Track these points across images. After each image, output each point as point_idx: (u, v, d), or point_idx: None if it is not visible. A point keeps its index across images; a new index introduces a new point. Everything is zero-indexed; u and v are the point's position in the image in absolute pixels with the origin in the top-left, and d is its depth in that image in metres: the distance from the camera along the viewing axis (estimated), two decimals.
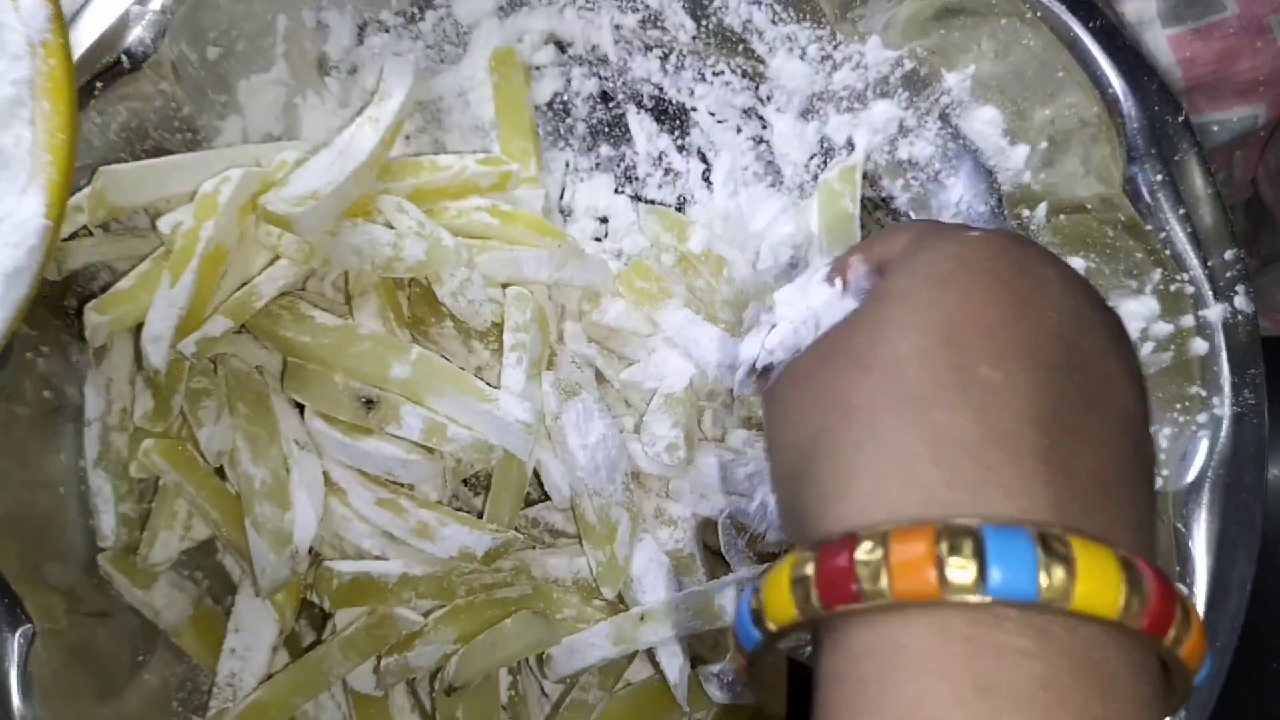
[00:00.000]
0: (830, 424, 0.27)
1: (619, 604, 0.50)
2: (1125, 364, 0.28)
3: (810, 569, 0.25)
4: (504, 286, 0.53)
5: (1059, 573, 0.23)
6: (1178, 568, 0.49)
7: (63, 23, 0.38)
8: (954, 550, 0.23)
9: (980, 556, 0.23)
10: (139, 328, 0.49)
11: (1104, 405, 0.27)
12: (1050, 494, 0.24)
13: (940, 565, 0.23)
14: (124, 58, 0.50)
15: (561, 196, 0.58)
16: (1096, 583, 0.23)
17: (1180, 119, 0.50)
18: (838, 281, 0.34)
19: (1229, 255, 0.50)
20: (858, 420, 0.26)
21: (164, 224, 0.50)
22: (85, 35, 0.50)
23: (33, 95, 0.37)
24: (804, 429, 0.28)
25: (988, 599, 0.23)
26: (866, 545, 0.24)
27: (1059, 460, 0.25)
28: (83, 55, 0.50)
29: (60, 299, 0.51)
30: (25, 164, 0.36)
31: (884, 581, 0.23)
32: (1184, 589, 0.49)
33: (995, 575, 0.23)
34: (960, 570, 0.23)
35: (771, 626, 0.26)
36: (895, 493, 0.25)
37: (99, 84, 0.50)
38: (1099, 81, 0.51)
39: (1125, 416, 0.27)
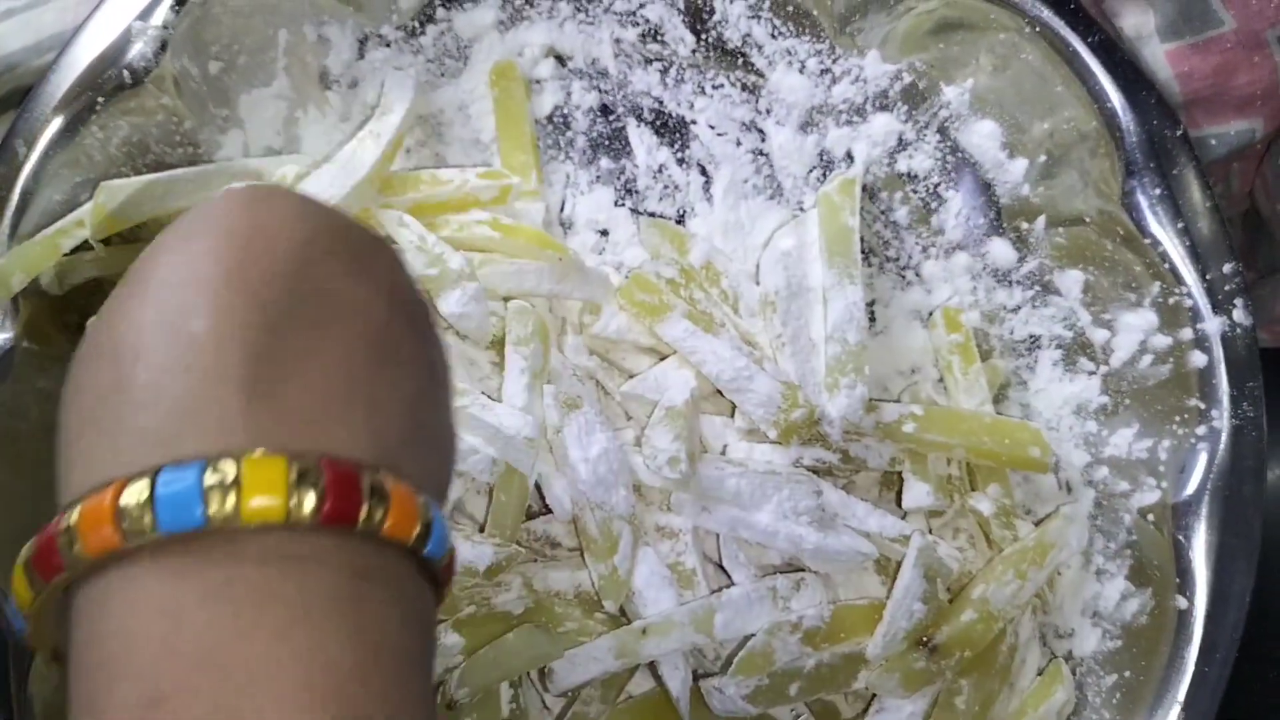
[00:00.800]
0: (70, 417, 0.28)
1: (621, 617, 0.50)
2: (369, 284, 0.29)
3: (28, 550, 0.26)
4: (505, 300, 0.53)
5: (229, 496, 0.24)
6: (1177, 579, 0.49)
7: None
8: (131, 499, 0.24)
9: (152, 499, 0.24)
10: None
11: (335, 328, 0.28)
12: (252, 424, 0.26)
13: (118, 517, 0.24)
14: (126, 73, 0.50)
15: (562, 209, 0.58)
16: (260, 492, 0.24)
17: (1178, 133, 0.51)
18: None
19: (1227, 268, 0.50)
20: (89, 405, 0.27)
21: None
22: (87, 50, 0.50)
23: None
24: (61, 421, 0.29)
25: (161, 536, 0.24)
26: (67, 516, 0.25)
27: (266, 390, 0.26)
28: (85, 70, 0.50)
29: (62, 314, 0.51)
30: None
31: (77, 546, 0.24)
32: (1183, 601, 0.49)
33: (163, 513, 0.24)
34: (135, 519, 0.24)
35: (22, 610, 0.27)
36: (99, 465, 0.26)
37: (100, 99, 0.50)
38: (1097, 96, 0.51)
39: (365, 334, 0.28)
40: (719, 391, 0.53)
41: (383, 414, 0.28)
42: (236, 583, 0.24)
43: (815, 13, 0.56)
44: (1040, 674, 0.52)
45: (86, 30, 0.51)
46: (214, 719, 0.23)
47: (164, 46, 0.51)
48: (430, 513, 0.27)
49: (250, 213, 0.29)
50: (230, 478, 0.24)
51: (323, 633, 0.24)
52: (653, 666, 0.50)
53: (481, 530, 0.50)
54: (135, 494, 0.24)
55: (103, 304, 0.30)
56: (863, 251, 0.55)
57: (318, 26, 0.55)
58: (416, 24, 0.57)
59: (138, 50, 0.50)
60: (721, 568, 0.52)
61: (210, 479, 0.24)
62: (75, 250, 0.50)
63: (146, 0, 0.51)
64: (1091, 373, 0.54)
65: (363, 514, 0.25)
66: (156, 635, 0.24)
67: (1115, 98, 0.51)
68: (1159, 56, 0.51)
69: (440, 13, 0.57)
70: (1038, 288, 0.55)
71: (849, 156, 0.58)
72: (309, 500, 0.25)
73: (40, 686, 0.49)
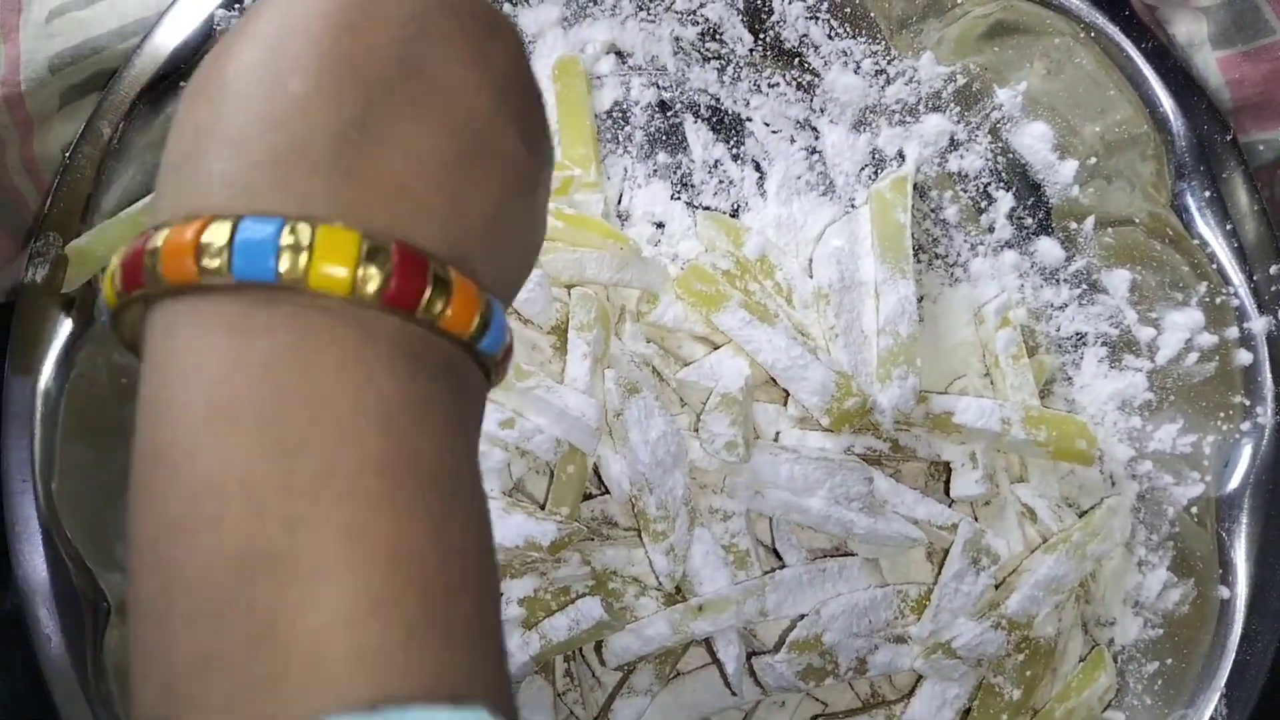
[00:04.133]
0: (173, 142, 0.28)
1: (676, 595, 0.52)
2: (479, 71, 0.29)
3: (118, 259, 0.27)
4: (566, 287, 0.54)
5: (301, 257, 0.25)
6: (1219, 570, 0.51)
7: None
8: (212, 238, 0.25)
9: (231, 245, 0.25)
10: None
11: (433, 113, 0.28)
12: (333, 193, 0.26)
13: (199, 252, 0.25)
14: None
15: (619, 201, 0.60)
16: (331, 260, 0.25)
17: (1228, 138, 0.52)
18: None
19: (1274, 270, 0.52)
20: (190, 137, 0.28)
21: None
22: (171, 36, 0.53)
23: None
24: (168, 144, 0.29)
25: (233, 281, 0.25)
26: (156, 237, 0.26)
27: (352, 164, 0.26)
28: (168, 56, 0.52)
29: None
30: None
31: (160, 268, 0.26)
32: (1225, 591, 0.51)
33: (238, 260, 0.25)
34: (213, 257, 0.25)
35: (109, 307, 0.28)
36: (199, 192, 0.27)
37: (182, 83, 0.52)
38: (1149, 100, 0.53)
39: (463, 123, 0.28)
40: (772, 381, 0.54)
41: (465, 208, 0.28)
42: (301, 323, 0.25)
43: (873, 15, 0.58)
44: (1082, 660, 0.54)
45: (170, 16, 0.52)
46: (273, 428, 0.25)
47: None
48: (492, 308, 0.28)
49: None
50: (305, 241, 0.25)
51: (376, 372, 0.26)
52: (707, 643, 0.52)
53: (542, 508, 0.52)
54: (217, 234, 0.25)
55: None
56: (913, 248, 0.56)
57: None
58: None
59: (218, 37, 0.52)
60: (773, 550, 0.53)
61: (286, 238, 0.25)
62: None
63: None
64: (1137, 369, 0.55)
65: (423, 301, 0.26)
66: (223, 352, 0.25)
67: (1167, 103, 0.52)
68: (1210, 63, 0.53)
69: (506, 8, 0.59)
70: (1085, 286, 0.57)
71: (900, 155, 0.59)
72: (375, 278, 0.25)
73: (112, 655, 0.51)
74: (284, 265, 0.25)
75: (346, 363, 0.25)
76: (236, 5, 0.52)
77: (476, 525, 0.27)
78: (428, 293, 0.26)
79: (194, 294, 0.26)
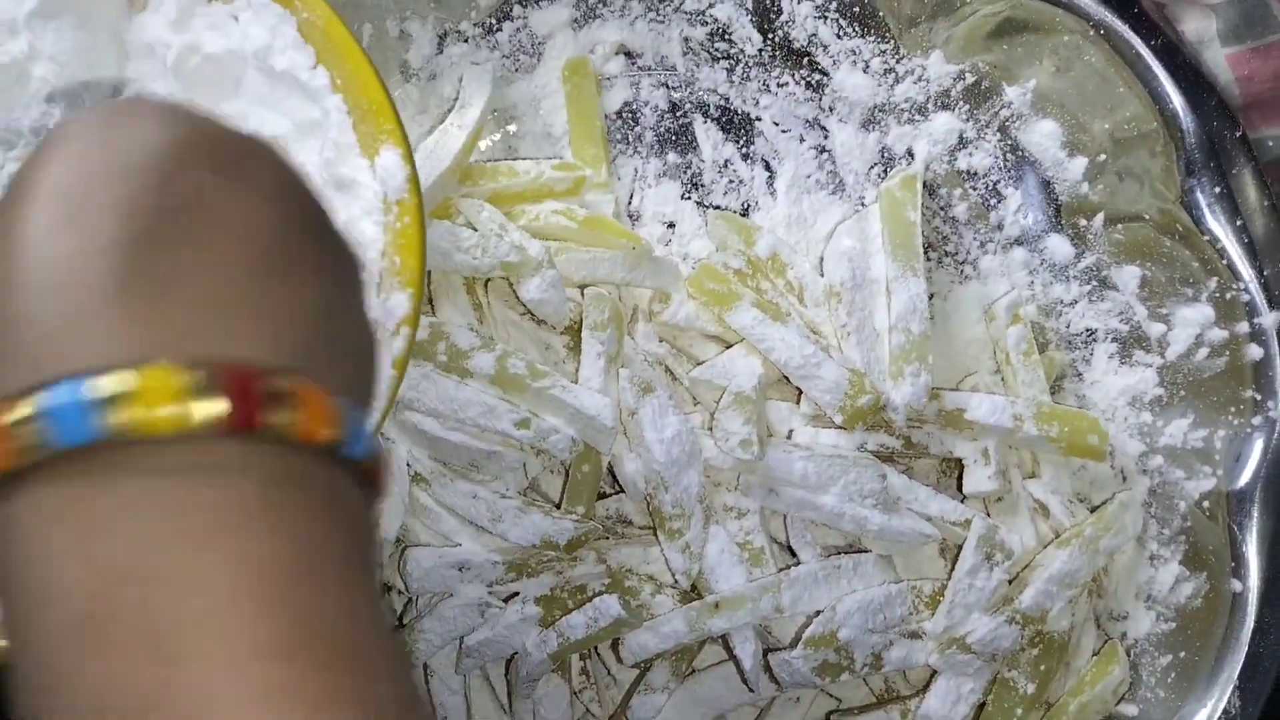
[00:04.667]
0: None
1: (692, 593, 0.52)
2: (250, 192, 0.28)
3: None
4: (580, 287, 0.55)
5: (126, 406, 0.24)
6: (1232, 564, 0.51)
7: (418, 185, 0.41)
8: (17, 415, 0.24)
9: (39, 415, 0.24)
10: None
11: (214, 240, 0.27)
12: (134, 336, 0.25)
13: (6, 437, 0.24)
14: None
15: (630, 201, 0.60)
16: (159, 401, 0.24)
17: (1238, 134, 0.52)
18: None
19: None
20: None
21: None
22: None
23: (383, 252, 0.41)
24: None
25: (58, 452, 0.24)
26: None
27: (144, 306, 0.25)
28: None
29: None
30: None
31: None
32: (1238, 584, 0.51)
33: (53, 427, 0.23)
34: (24, 435, 0.24)
35: None
36: None
37: None
38: (1159, 97, 0.53)
39: (250, 243, 0.27)
40: (784, 379, 0.54)
41: (281, 322, 0.27)
42: (152, 494, 0.24)
43: (881, 14, 0.58)
44: (1096, 654, 0.54)
45: None
46: (148, 634, 0.23)
47: None
48: (348, 413, 0.26)
49: (107, 126, 0.28)
50: (120, 387, 0.24)
51: (248, 537, 0.24)
52: (724, 640, 0.52)
53: (558, 507, 0.52)
54: (20, 411, 0.24)
55: None
56: (923, 245, 0.57)
57: (400, 22, 0.58)
58: (494, 20, 0.59)
59: None
60: (787, 547, 0.54)
61: (105, 387, 0.24)
62: None
63: None
64: (1147, 365, 0.56)
65: (268, 417, 0.25)
66: (77, 553, 0.24)
67: (1177, 99, 0.53)
68: (1220, 60, 0.53)
69: (517, 10, 0.59)
70: (1095, 282, 0.57)
71: (910, 154, 0.60)
72: (211, 406, 0.24)
73: None
74: (110, 418, 0.23)
75: (214, 534, 0.24)
76: None
77: (390, 677, 0.25)
78: (269, 408, 0.25)
79: (22, 485, 0.24)
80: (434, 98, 0.59)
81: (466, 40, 0.59)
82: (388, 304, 0.41)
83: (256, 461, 0.25)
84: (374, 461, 0.27)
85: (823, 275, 0.57)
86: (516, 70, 0.60)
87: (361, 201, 0.42)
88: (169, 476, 0.24)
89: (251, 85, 0.43)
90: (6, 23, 0.42)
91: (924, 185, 0.58)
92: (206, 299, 0.26)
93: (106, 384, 0.24)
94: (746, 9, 0.59)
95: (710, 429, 0.53)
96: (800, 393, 0.54)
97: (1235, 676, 0.50)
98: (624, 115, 0.61)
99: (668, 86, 0.61)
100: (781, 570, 0.52)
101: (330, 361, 0.28)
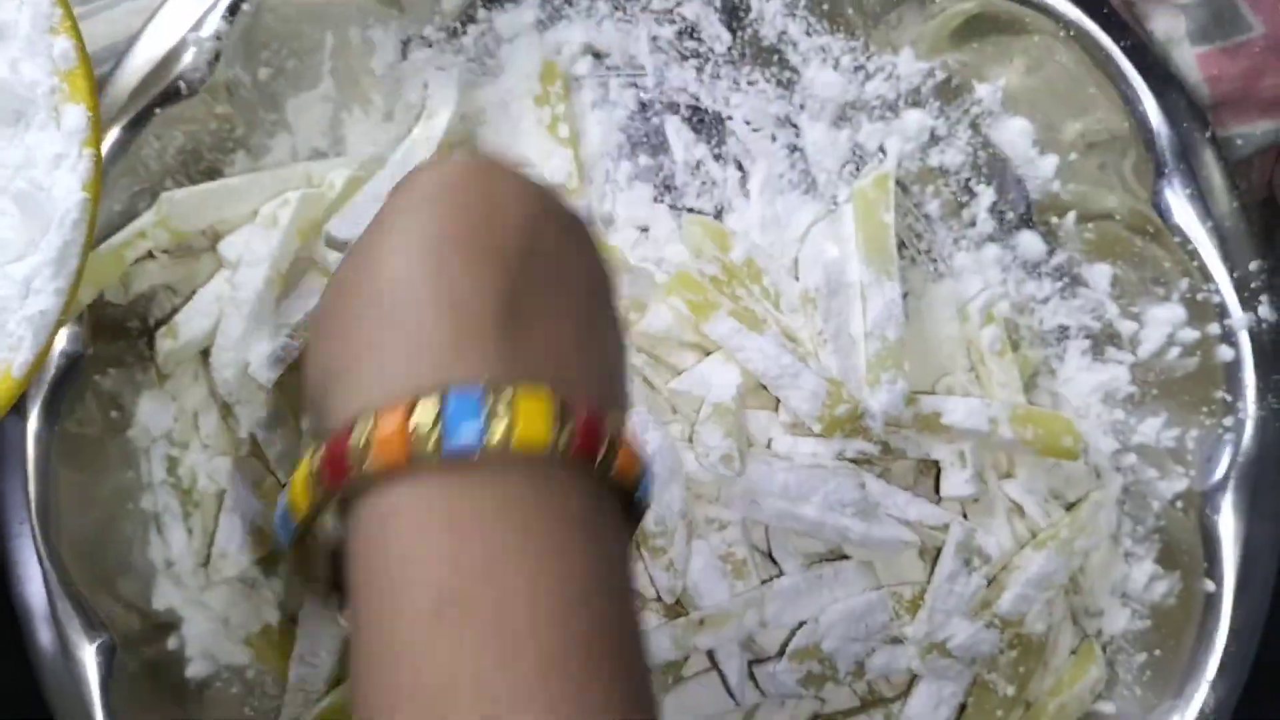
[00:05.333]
0: (338, 350, 0.32)
1: (677, 607, 0.53)
2: (583, 253, 0.34)
3: (318, 458, 0.29)
4: None
5: (502, 423, 0.28)
6: (1205, 563, 0.52)
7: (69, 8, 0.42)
8: (422, 418, 0.28)
9: (440, 420, 0.28)
10: (206, 350, 0.51)
11: (564, 286, 0.32)
12: (510, 361, 0.30)
13: (409, 435, 0.28)
14: (181, 83, 0.51)
15: (603, 206, 0.59)
16: (532, 422, 0.28)
17: (1207, 135, 0.52)
18: None
19: (1254, 266, 0.52)
20: (357, 341, 0.31)
21: (226, 248, 0.51)
22: (142, 62, 0.51)
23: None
24: (323, 355, 0.33)
25: (440, 460, 0.28)
26: (359, 428, 0.28)
27: (517, 335, 0.30)
28: (140, 83, 0.51)
29: (125, 320, 0.52)
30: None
31: (370, 458, 0.28)
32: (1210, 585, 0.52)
33: (449, 436, 0.28)
34: (424, 437, 0.28)
35: (295, 517, 0.31)
36: (388, 382, 0.30)
37: (156, 109, 0.51)
38: (1129, 98, 0.53)
39: (586, 291, 0.33)
40: (763, 386, 0.54)
41: (603, 365, 0.33)
42: (510, 505, 0.28)
43: (850, 11, 0.57)
44: (1073, 653, 0.55)
45: (140, 42, 0.51)
46: (493, 621, 0.27)
47: (217, 57, 0.51)
48: (645, 459, 0.31)
49: (482, 184, 0.33)
50: (506, 405, 0.28)
51: (574, 552, 0.28)
52: (709, 653, 0.53)
53: None
54: (426, 411, 0.27)
55: (339, 263, 0.35)
56: (896, 244, 0.57)
57: (363, 29, 0.56)
58: (457, 24, 0.58)
59: (191, 61, 0.51)
60: (769, 555, 0.54)
61: (489, 403, 0.28)
62: (138, 260, 0.51)
63: (198, 11, 0.51)
64: (1120, 363, 0.56)
65: (602, 451, 0.29)
66: (443, 549, 0.27)
67: (1147, 100, 0.52)
68: (1189, 60, 0.53)
69: (481, 13, 0.58)
70: (1067, 280, 0.58)
71: (882, 151, 0.59)
72: (565, 434, 0.28)
73: (118, 680, 0.51)
74: (491, 433, 0.27)
75: (551, 546, 0.28)
76: (205, 29, 0.51)
77: (647, 684, 0.30)
78: (604, 444, 0.29)
79: (399, 480, 0.28)
80: (399, 105, 0.58)
81: (431, 45, 0.58)
82: (63, 126, 0.41)
83: (582, 488, 0.29)
84: (648, 503, 0.33)
85: (798, 279, 0.57)
86: (483, 74, 0.59)
87: (18, 42, 0.42)
88: (523, 488, 0.28)
89: None
90: None
91: (897, 183, 0.58)
92: (559, 335, 0.31)
93: (499, 396, 0.28)
94: (715, 7, 0.59)
95: (690, 440, 0.53)
96: (779, 400, 0.54)
97: (1209, 676, 0.51)
98: (593, 116, 0.60)
99: (637, 86, 0.60)
100: (765, 582, 0.53)
101: (620, 399, 0.34)
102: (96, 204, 0.42)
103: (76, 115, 0.42)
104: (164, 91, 0.51)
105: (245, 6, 0.51)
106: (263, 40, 0.53)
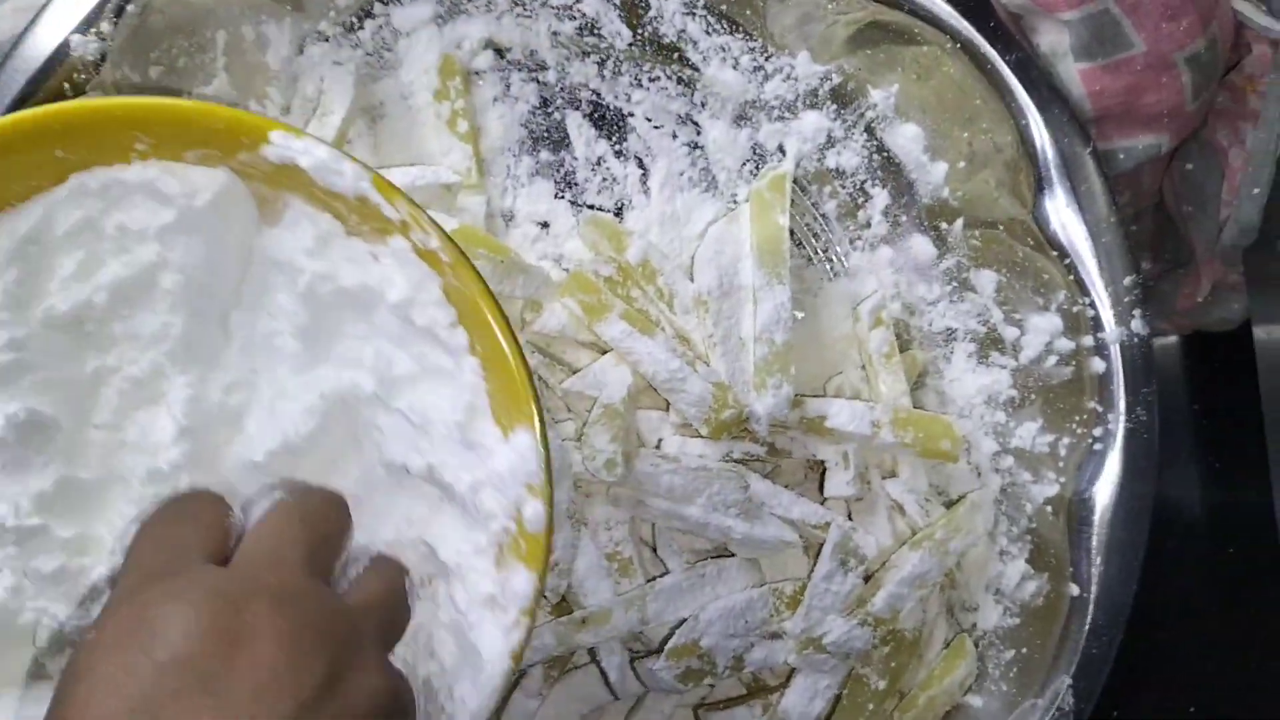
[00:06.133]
0: None
1: (562, 604, 0.54)
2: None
3: None
4: None
5: None
6: (1071, 568, 0.54)
7: (550, 470, 0.40)
8: None
9: None
10: None
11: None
12: None
13: None
14: (65, 85, 0.51)
15: (503, 201, 0.60)
16: None
17: (1089, 150, 0.53)
18: None
19: (1128, 281, 0.54)
20: None
21: None
22: (26, 63, 0.51)
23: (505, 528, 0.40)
24: None
25: None
26: None
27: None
28: (24, 84, 0.51)
29: None
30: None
31: None
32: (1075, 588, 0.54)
33: None
34: None
35: None
36: None
37: None
38: (1014, 111, 0.54)
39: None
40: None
41: None
42: None
43: (748, 13, 0.58)
44: (947, 646, 0.57)
45: (24, 44, 0.51)
46: None
47: (103, 57, 0.51)
48: None
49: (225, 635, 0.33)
50: None
51: None
52: (590, 650, 0.54)
53: None
54: None
55: None
56: (794, 242, 0.58)
57: (256, 25, 0.56)
58: (354, 19, 0.58)
59: (76, 62, 0.51)
60: (656, 553, 0.56)
61: None
62: None
63: (83, 12, 0.51)
64: (1002, 367, 0.58)
65: None
66: None
67: (1030, 114, 0.53)
68: (1072, 75, 0.53)
69: (378, 7, 0.58)
70: (955, 284, 0.59)
71: (781, 150, 0.60)
72: None
73: None
74: None
75: None
76: (90, 29, 0.51)
77: None
78: None
79: None
80: (297, 99, 0.58)
81: (327, 40, 0.58)
82: (508, 585, 0.39)
83: None
84: None
85: (693, 280, 0.57)
86: (381, 68, 0.59)
87: (486, 469, 0.40)
88: None
89: (382, 321, 0.41)
90: (138, 232, 0.41)
91: (795, 182, 0.59)
92: None
93: None
94: (614, 4, 0.59)
95: (580, 441, 0.54)
96: (670, 402, 0.55)
97: (1069, 676, 0.53)
98: (494, 112, 0.60)
99: (538, 82, 0.60)
100: (649, 581, 0.54)
101: None
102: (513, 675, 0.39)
103: (523, 581, 0.39)
104: (48, 93, 0.51)
105: (130, 8, 0.51)
106: (152, 40, 0.53)
